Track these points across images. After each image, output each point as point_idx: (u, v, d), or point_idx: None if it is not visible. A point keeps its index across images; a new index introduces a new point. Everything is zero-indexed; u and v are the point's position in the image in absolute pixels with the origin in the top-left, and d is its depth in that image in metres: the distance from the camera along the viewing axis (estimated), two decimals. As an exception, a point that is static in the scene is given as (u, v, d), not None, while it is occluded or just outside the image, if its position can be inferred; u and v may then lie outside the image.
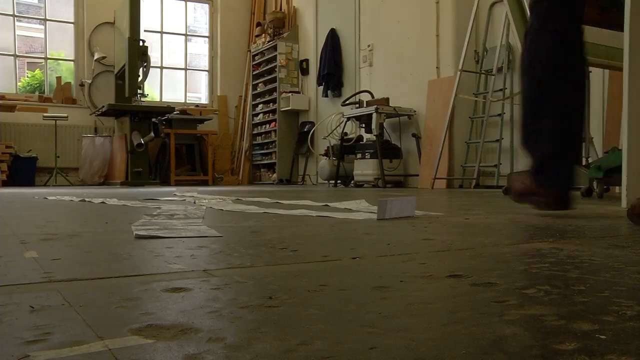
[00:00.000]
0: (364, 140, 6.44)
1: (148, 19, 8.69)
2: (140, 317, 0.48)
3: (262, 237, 1.13)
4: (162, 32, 9.28)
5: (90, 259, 0.85)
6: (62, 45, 8.87)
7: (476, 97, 5.51)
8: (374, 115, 5.66)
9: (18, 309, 0.51)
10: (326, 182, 6.84)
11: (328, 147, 6.88)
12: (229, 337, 0.42)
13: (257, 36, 9.13)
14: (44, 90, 8.77)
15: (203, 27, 9.72)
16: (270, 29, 8.76)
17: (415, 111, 6.00)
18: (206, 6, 9.60)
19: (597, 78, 4.33)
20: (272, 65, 8.61)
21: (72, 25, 8.65)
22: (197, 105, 9.07)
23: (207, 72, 9.62)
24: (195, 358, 0.37)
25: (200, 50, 9.73)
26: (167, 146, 7.98)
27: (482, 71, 5.43)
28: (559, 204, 1.73)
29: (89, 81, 8.53)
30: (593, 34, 3.35)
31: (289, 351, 0.39)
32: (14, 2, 8.34)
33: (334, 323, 0.46)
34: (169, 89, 9.42)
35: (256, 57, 9.04)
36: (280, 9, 8.92)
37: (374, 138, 5.82)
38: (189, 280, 0.66)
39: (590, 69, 3.75)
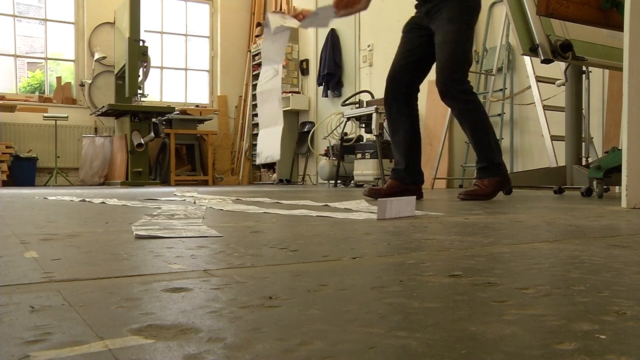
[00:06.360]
0: (364, 140, 6.44)
1: (148, 20, 8.69)
2: (141, 317, 0.48)
3: (262, 237, 1.13)
4: (162, 33, 9.28)
5: (91, 259, 0.85)
6: (62, 46, 8.87)
7: (476, 97, 5.51)
8: (374, 115, 5.66)
9: (18, 309, 0.51)
10: (326, 182, 6.84)
11: (328, 147, 6.89)
12: (229, 337, 0.42)
13: (257, 36, 9.13)
14: (44, 90, 8.77)
15: (203, 27, 9.72)
16: (270, 29, 8.75)
17: (415, 111, 5.99)
18: (206, 6, 9.60)
19: (597, 78, 4.33)
20: (272, 65, 8.60)
21: (72, 25, 8.66)
22: (197, 106, 9.08)
23: (207, 72, 9.62)
24: (195, 358, 0.37)
25: (200, 50, 9.73)
26: (167, 146, 7.98)
27: (482, 71, 5.43)
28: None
29: (89, 81, 8.53)
30: (592, 34, 3.36)
31: (289, 351, 0.39)
32: (14, 2, 8.34)
33: (334, 323, 0.46)
34: (169, 89, 9.42)
35: (256, 57, 9.04)
36: (280, 9, 8.92)
37: (374, 138, 5.82)
38: (189, 280, 0.66)
39: (590, 69, 3.76)
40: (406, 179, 2.83)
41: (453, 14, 2.68)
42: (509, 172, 3.95)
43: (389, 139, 6.52)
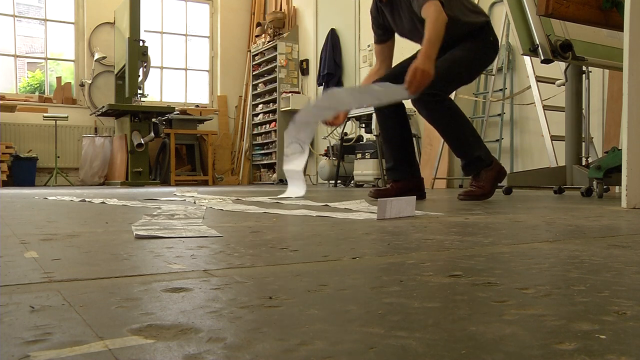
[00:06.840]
0: (364, 140, 6.44)
1: (148, 20, 8.69)
2: (141, 317, 0.48)
3: (262, 237, 1.13)
4: (162, 33, 9.28)
5: (91, 259, 0.85)
6: (62, 46, 8.88)
7: (476, 97, 5.51)
8: (374, 115, 5.66)
9: (18, 309, 0.51)
10: (326, 182, 6.84)
11: (328, 147, 6.89)
12: (229, 337, 0.42)
13: (257, 36, 9.13)
14: (44, 90, 8.77)
15: (203, 27, 9.72)
16: (270, 29, 8.76)
17: (415, 111, 5.99)
18: (206, 6, 9.60)
19: (597, 78, 4.33)
20: (272, 65, 8.61)
21: (72, 25, 8.66)
22: (197, 106, 9.08)
23: (207, 72, 9.62)
24: (195, 358, 0.37)
25: (200, 50, 9.73)
26: (167, 146, 7.98)
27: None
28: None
29: (89, 81, 8.53)
30: (592, 34, 3.36)
31: (289, 351, 0.39)
32: (14, 2, 8.34)
33: (334, 323, 0.46)
34: (169, 89, 9.42)
35: (256, 57, 9.05)
36: (280, 9, 8.92)
37: (374, 138, 5.82)
38: (189, 280, 0.66)
39: (590, 69, 3.76)
40: (398, 175, 2.85)
41: (468, 45, 2.74)
42: (508, 172, 3.96)
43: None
